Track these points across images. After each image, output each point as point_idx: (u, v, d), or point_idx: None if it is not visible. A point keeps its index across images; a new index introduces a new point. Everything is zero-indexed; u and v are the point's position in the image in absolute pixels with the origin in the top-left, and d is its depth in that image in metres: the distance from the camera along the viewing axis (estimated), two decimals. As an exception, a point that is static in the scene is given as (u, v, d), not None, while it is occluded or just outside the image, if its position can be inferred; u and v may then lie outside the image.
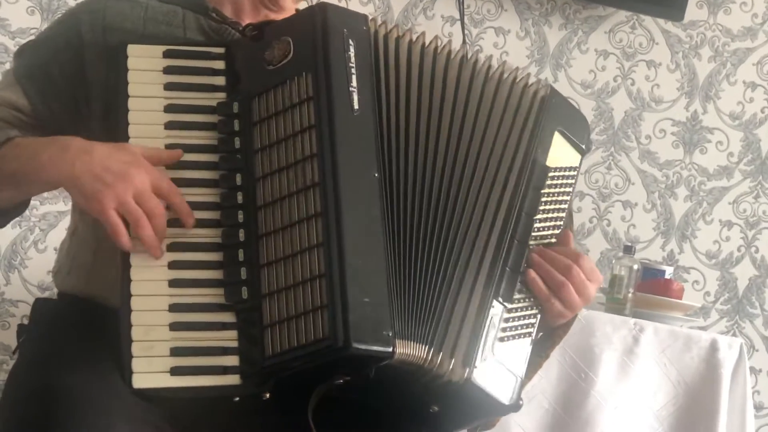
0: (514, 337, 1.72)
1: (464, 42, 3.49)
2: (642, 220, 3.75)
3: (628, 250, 3.33)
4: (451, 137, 1.76)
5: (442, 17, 3.66)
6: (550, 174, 1.80)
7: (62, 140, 1.69)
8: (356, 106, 1.68)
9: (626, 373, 3.08)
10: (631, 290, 3.25)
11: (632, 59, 3.75)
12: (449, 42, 1.82)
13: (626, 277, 3.25)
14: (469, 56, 1.82)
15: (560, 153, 1.83)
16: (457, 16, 3.57)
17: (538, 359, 1.84)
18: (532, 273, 1.75)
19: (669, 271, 3.40)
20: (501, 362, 1.70)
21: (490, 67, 1.82)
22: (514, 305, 1.73)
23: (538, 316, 1.76)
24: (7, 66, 2.98)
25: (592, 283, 1.77)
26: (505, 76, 1.82)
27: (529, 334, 1.75)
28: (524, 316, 1.74)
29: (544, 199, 1.79)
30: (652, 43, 3.76)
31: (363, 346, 1.57)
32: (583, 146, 1.87)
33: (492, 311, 1.70)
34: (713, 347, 3.12)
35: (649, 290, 3.29)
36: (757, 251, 3.77)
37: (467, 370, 1.66)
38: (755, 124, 3.78)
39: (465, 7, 3.57)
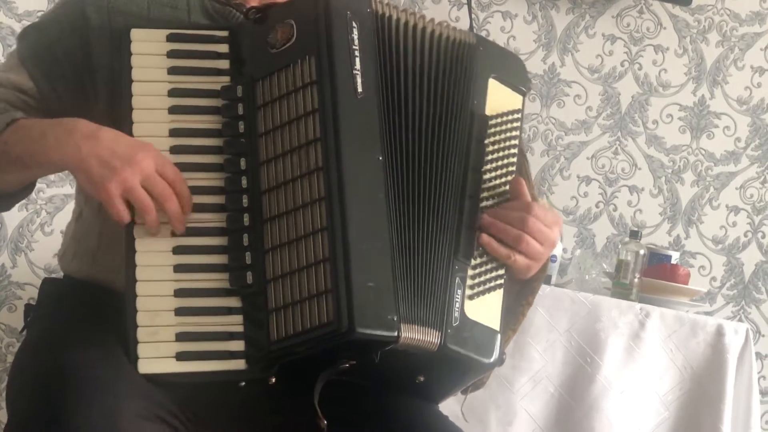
0: (483, 292, 1.72)
1: (471, 26, 3.48)
2: (648, 205, 3.75)
3: (635, 235, 3.33)
4: (435, 114, 1.75)
5: (449, 1, 3.66)
6: (491, 122, 1.79)
7: (68, 122, 1.69)
8: (360, 89, 1.68)
9: (632, 358, 3.09)
10: (638, 275, 3.25)
11: (639, 44, 3.74)
12: (454, 28, 1.81)
13: (632, 262, 3.25)
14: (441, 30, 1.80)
15: (499, 99, 1.81)
16: (464, 0, 3.57)
17: (520, 308, 1.84)
18: (485, 237, 1.73)
19: (675, 257, 3.40)
20: (475, 321, 1.69)
21: (433, 32, 1.79)
22: (478, 261, 1.72)
23: (505, 267, 1.75)
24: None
25: (552, 227, 1.76)
26: (436, 34, 1.79)
27: (499, 285, 1.74)
28: (491, 269, 1.73)
29: (489, 149, 1.77)
30: (659, 28, 3.75)
31: (367, 331, 1.57)
32: (523, 88, 1.85)
33: (455, 272, 1.69)
34: (719, 332, 3.12)
35: (655, 275, 3.29)
36: (763, 236, 3.76)
37: (440, 337, 1.65)
38: (763, 109, 3.77)
39: (472, -9, 3.56)
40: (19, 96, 1.80)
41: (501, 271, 1.74)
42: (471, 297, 1.70)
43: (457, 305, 1.68)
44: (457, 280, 1.69)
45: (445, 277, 1.68)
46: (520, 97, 1.85)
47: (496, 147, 1.79)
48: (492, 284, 1.73)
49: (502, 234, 1.73)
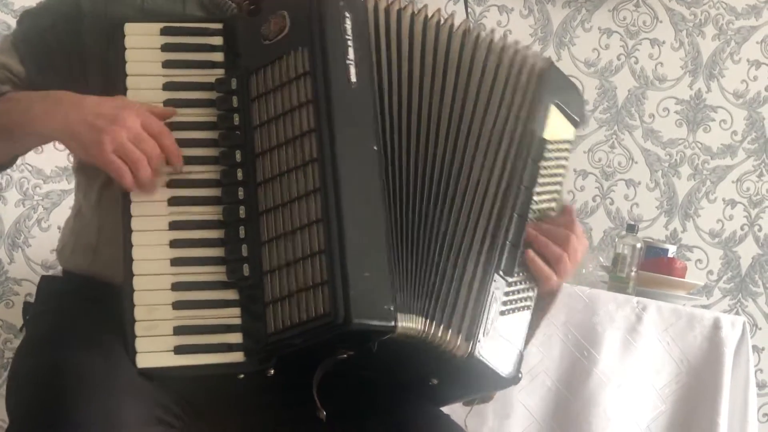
0: (514, 310, 1.72)
1: (467, 19, 3.48)
2: (645, 199, 3.75)
3: (632, 228, 3.33)
4: (453, 110, 1.75)
5: (445, -5, 3.66)
6: (547, 146, 1.80)
7: (55, 94, 1.69)
8: (354, 80, 1.67)
9: (629, 352, 3.08)
10: (634, 269, 3.25)
11: (636, 37, 3.74)
12: (451, 16, 1.81)
13: (629, 255, 3.25)
14: (471, 29, 1.81)
15: (556, 126, 1.82)
16: (460, -6, 3.57)
17: (531, 330, 1.85)
18: (531, 253, 1.74)
19: (672, 250, 3.40)
20: (502, 336, 1.70)
21: (491, 40, 1.81)
22: (514, 278, 1.73)
23: (536, 288, 1.76)
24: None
25: (581, 252, 1.78)
26: (506, 48, 1.81)
27: (528, 306, 1.75)
28: (523, 290, 1.74)
29: (542, 171, 1.78)
30: (655, 21, 3.75)
31: (364, 321, 1.57)
32: (578, 120, 1.86)
33: (494, 286, 1.70)
34: (716, 326, 3.11)
35: (652, 269, 3.29)
36: (760, 230, 3.76)
37: (471, 345, 1.65)
38: (759, 103, 3.77)
39: (468, -16, 3.56)
40: (8, 75, 1.82)
41: (532, 293, 1.76)
42: (503, 313, 1.71)
43: (491, 317, 1.68)
44: (493, 292, 1.69)
45: (483, 287, 1.68)
46: (573, 129, 1.86)
47: (547, 171, 1.80)
48: (523, 304, 1.74)
49: (544, 250, 1.75)
